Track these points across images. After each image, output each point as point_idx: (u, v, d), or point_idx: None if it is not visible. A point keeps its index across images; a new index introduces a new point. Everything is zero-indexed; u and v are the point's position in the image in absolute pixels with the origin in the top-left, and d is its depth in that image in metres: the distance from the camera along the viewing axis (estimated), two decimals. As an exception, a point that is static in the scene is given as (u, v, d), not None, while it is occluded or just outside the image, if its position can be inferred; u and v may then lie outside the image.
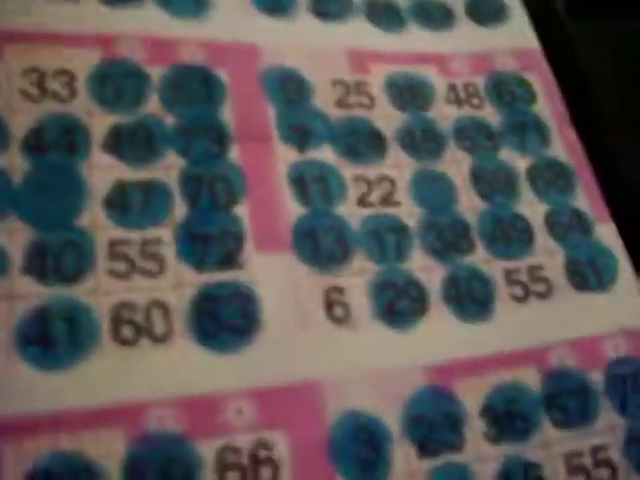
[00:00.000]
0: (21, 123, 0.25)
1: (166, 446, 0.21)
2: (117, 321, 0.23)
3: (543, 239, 0.29)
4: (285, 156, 0.27)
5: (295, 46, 0.29)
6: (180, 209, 0.25)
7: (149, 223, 0.24)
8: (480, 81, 0.31)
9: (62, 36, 0.26)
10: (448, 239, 0.27)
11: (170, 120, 0.26)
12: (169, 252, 0.24)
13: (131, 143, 0.25)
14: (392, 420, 0.24)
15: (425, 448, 0.24)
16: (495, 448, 0.25)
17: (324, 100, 0.29)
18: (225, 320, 0.23)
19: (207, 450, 0.22)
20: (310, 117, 0.28)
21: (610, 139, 0.32)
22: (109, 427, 0.21)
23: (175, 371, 0.22)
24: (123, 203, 0.24)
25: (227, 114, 0.27)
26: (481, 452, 0.24)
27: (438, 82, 0.31)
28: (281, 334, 0.24)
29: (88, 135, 0.25)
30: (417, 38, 0.32)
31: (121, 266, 0.23)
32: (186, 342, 0.23)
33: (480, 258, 0.27)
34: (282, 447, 0.22)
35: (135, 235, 0.24)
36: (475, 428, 0.25)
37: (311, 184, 0.27)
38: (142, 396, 0.22)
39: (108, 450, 0.21)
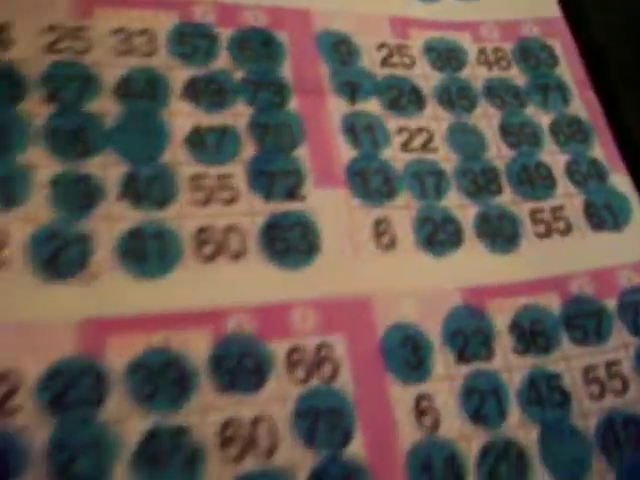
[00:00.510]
0: (112, 75, 0.29)
1: (243, 346, 0.25)
2: (198, 241, 0.26)
3: (564, 184, 0.32)
4: (338, 107, 0.31)
5: (344, 12, 0.33)
6: (248, 150, 0.29)
7: (223, 160, 0.28)
8: (508, 46, 0.35)
9: (145, 1, 0.30)
10: (480, 182, 0.31)
11: (238, 74, 0.30)
12: (241, 185, 0.28)
13: (205, 93, 0.29)
14: (433, 333, 0.28)
15: (462, 356, 0.27)
16: (522, 360, 0.28)
17: (370, 61, 0.32)
18: (290, 243, 0.27)
19: (278, 349, 0.25)
20: (359, 75, 0.32)
21: (622, 100, 0.35)
22: (196, 329, 0.25)
23: (250, 283, 0.26)
24: (200, 143, 0.28)
25: (287, 71, 0.31)
26: (509, 362, 0.28)
27: (470, 47, 0.34)
28: (337, 257, 0.28)
29: (168, 86, 0.29)
30: (452, 8, 0.35)
31: (201, 196, 0.27)
32: (258, 260, 0.27)
33: (508, 199, 0.31)
34: (341, 348, 0.26)
35: (212, 170, 0.28)
36: (504, 342, 0.28)
37: (360, 132, 0.30)
38: (222, 304, 0.26)
39: (195, 348, 0.25)
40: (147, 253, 0.26)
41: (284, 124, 0.29)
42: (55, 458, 0.22)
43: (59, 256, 0.25)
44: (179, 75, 0.29)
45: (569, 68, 0.35)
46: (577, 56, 0.36)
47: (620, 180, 0.33)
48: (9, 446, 0.22)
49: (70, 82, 0.28)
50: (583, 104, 0.34)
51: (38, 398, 0.23)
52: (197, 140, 0.28)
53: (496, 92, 0.34)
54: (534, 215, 0.31)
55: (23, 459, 0.22)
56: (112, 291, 0.25)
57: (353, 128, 0.30)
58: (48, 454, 0.22)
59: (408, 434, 0.25)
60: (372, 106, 0.31)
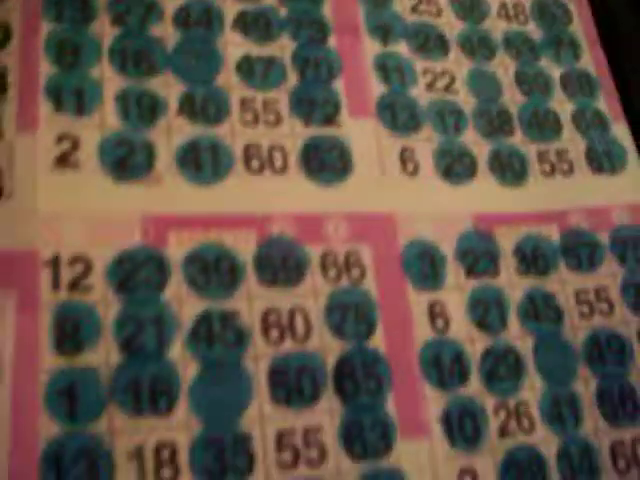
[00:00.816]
0: (172, 4, 0.32)
1: (284, 247, 0.29)
2: (247, 156, 0.30)
3: (569, 131, 0.36)
4: (372, 47, 0.34)
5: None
6: (291, 79, 0.32)
7: (269, 86, 0.31)
8: (526, 2, 0.38)
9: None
10: (495, 123, 0.35)
11: (283, 11, 0.33)
12: (284, 109, 0.31)
13: (254, 26, 0.32)
14: (447, 250, 0.31)
15: (471, 272, 0.31)
16: (523, 279, 0.32)
17: (402, 7, 0.36)
18: (326, 163, 0.31)
19: (313, 252, 0.29)
20: (391, 18, 0.35)
21: (626, 57, 0.39)
22: (245, 230, 0.29)
23: (291, 195, 0.30)
24: (249, 71, 0.31)
25: (327, 11, 0.34)
26: (512, 281, 0.32)
27: (492, 0, 0.38)
28: (367, 178, 0.31)
29: (222, 17, 0.32)
30: (476, -38, 0.38)
31: (249, 116, 0.31)
32: (298, 175, 0.30)
33: (519, 140, 0.35)
34: (367, 255, 0.30)
35: (259, 95, 0.31)
36: (508, 263, 0.32)
37: (391, 71, 0.34)
38: (268, 211, 0.29)
39: (244, 246, 0.28)
40: (202, 163, 0.29)
41: (324, 59, 0.33)
42: (123, 330, 0.26)
43: (127, 160, 0.28)
44: (231, 8, 0.32)
45: (581, 26, 0.39)
46: (589, 15, 0.39)
47: (620, 130, 0.36)
48: (85, 317, 0.26)
49: (134, 8, 0.31)
50: (592, 59, 0.38)
51: (108, 280, 0.27)
52: (247, 67, 0.31)
53: (513, 44, 0.37)
54: (541, 156, 0.35)
55: (96, 329, 0.26)
56: (172, 193, 0.28)
57: (384, 67, 0.34)
58: (117, 326, 0.26)
59: (422, 333, 0.29)
60: (402, 48, 0.35)
